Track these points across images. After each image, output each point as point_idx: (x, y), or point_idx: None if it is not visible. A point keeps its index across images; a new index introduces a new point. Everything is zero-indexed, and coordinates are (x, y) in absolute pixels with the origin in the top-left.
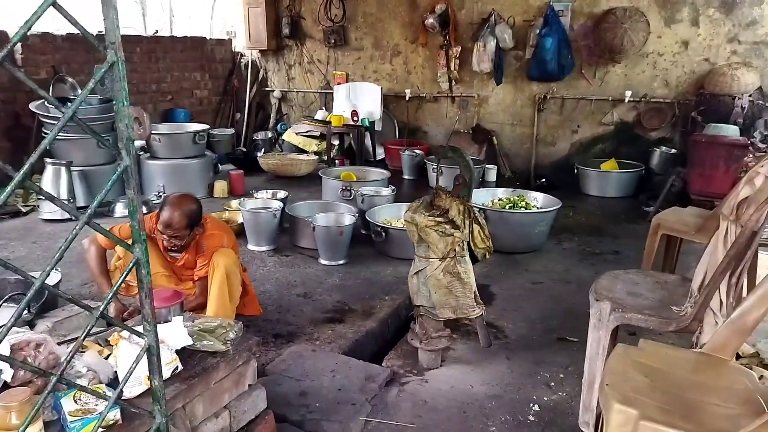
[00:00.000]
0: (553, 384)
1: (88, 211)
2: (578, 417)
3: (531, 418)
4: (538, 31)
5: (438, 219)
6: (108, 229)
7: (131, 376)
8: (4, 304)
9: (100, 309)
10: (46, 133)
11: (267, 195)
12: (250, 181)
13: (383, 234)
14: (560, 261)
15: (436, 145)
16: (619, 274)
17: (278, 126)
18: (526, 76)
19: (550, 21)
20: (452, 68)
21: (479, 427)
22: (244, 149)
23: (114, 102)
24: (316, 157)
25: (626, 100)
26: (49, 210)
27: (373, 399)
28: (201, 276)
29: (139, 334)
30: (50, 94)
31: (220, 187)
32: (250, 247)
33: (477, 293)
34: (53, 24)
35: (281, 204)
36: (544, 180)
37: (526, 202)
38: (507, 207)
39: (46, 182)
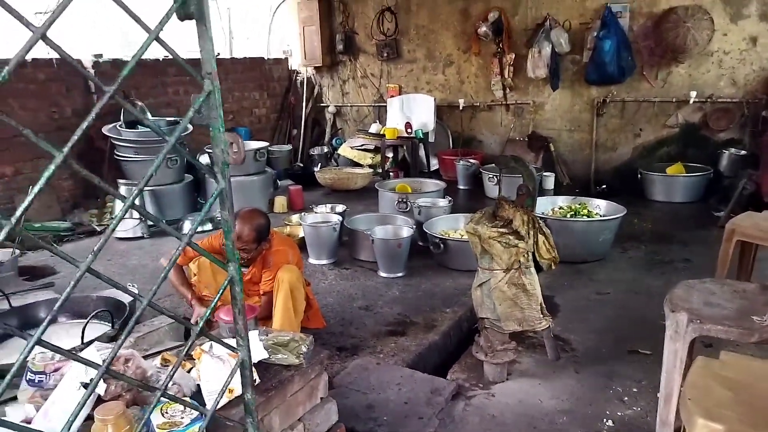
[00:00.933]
0: (626, 398)
1: (189, 233)
2: None
3: None
4: (595, 34)
5: (502, 230)
6: (182, 248)
7: (215, 389)
8: (91, 320)
9: (200, 325)
10: (118, 155)
11: (326, 209)
12: (308, 196)
13: (441, 245)
14: (627, 270)
15: (497, 155)
16: (694, 284)
17: (333, 141)
18: (584, 79)
19: (608, 23)
20: (506, 76)
21: None
22: (302, 164)
23: (210, 128)
24: (371, 170)
25: (691, 101)
26: (122, 229)
27: (440, 413)
28: (266, 291)
29: (233, 349)
30: (121, 118)
31: (280, 202)
32: (311, 260)
33: (543, 305)
34: (123, 51)
35: (340, 218)
36: (604, 186)
37: (588, 210)
38: (568, 215)
39: (119, 203)
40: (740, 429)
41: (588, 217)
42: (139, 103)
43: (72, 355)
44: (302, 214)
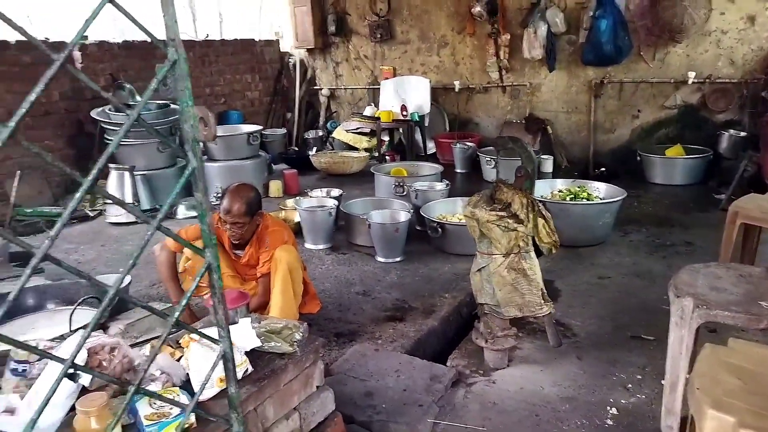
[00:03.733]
0: (630, 386)
1: (159, 215)
2: (660, 421)
3: (609, 422)
4: (591, 13)
5: (500, 213)
6: (175, 232)
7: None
8: (79, 307)
9: (175, 316)
10: (108, 140)
11: (322, 193)
12: (303, 180)
13: (439, 230)
14: (628, 254)
15: (494, 137)
16: (699, 268)
17: (328, 124)
18: (581, 60)
19: (604, 2)
20: (502, 57)
21: None
22: (296, 148)
23: (178, 102)
24: (367, 153)
25: (689, 82)
26: (115, 213)
27: (440, 400)
28: (264, 273)
29: (214, 341)
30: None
31: (275, 186)
32: (308, 245)
33: (544, 290)
34: (110, 32)
35: (336, 202)
36: (603, 169)
37: (588, 193)
38: (568, 198)
39: (111, 187)
40: (750, 420)
41: (588, 200)
42: (128, 86)
43: (39, 351)
44: (297, 198)
